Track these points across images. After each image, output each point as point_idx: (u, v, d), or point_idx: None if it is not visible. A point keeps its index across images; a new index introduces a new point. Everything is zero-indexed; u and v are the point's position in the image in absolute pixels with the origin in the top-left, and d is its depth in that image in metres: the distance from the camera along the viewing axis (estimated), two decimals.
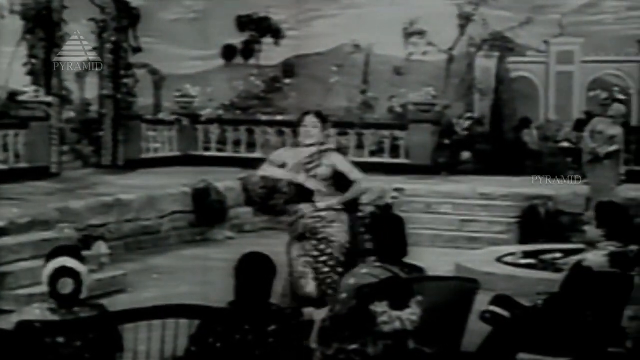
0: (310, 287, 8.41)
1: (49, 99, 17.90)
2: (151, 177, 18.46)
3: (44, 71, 18.31)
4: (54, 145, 17.83)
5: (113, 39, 20.12)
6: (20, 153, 17.38)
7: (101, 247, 13.32)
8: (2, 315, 10.17)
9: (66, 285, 6.18)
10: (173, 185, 17.02)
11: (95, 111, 20.89)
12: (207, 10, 30.25)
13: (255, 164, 18.64)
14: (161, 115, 22.95)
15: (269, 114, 24.33)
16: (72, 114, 20.41)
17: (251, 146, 21.94)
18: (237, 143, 22.10)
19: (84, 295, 6.28)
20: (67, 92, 19.99)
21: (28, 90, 17.73)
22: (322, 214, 8.56)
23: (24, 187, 15.61)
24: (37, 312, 6.17)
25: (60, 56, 18.44)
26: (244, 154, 21.59)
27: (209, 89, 24.14)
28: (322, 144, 8.71)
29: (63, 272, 6.20)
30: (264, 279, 6.03)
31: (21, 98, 17.70)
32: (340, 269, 8.24)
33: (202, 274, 12.23)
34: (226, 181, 17.52)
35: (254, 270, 6.02)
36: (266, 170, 8.84)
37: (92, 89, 21.67)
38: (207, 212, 16.73)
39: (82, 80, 22.30)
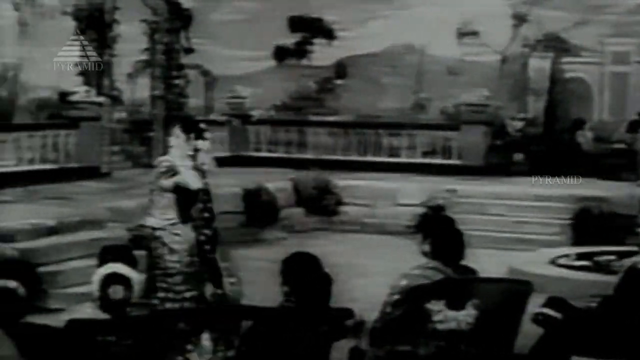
0: None
1: (100, 99, 18.03)
2: None
3: (96, 72, 18.46)
4: (104, 145, 17.96)
5: (165, 40, 20.16)
6: (71, 153, 17.51)
7: None
8: (53, 314, 10.15)
9: (117, 292, 6.24)
10: (223, 186, 16.95)
11: (146, 112, 20.99)
12: (258, 11, 30.27)
13: (306, 164, 19.04)
14: (212, 116, 22.93)
15: (320, 114, 24.23)
16: (123, 114, 20.49)
17: (302, 147, 21.87)
18: (288, 144, 22.03)
19: (134, 298, 6.36)
20: (118, 92, 20.09)
21: (79, 91, 17.82)
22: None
23: (74, 187, 15.66)
24: (89, 311, 6.26)
25: (111, 57, 18.51)
26: (295, 154, 21.50)
27: (260, 89, 24.09)
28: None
29: (114, 278, 6.25)
30: (309, 279, 5.97)
31: (72, 98, 17.80)
32: None
33: (253, 274, 12.24)
34: (277, 182, 17.49)
35: (299, 270, 5.99)
36: None
37: (143, 89, 21.72)
38: (258, 213, 16.67)
39: (134, 80, 22.33)
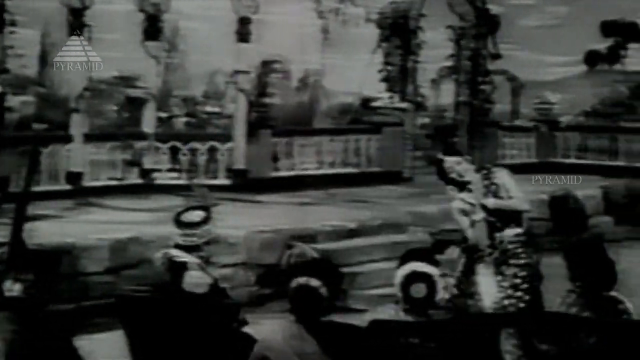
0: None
1: (404, 105, 18.34)
2: None
3: (399, 78, 18.70)
4: (407, 150, 18.20)
5: (471, 45, 20.24)
6: (372, 157, 17.87)
7: (454, 252, 13.28)
8: (354, 314, 10.26)
9: (420, 291, 6.27)
10: (529, 192, 16.70)
11: (450, 117, 21.09)
12: (569, 16, 29.70)
13: (617, 172, 18.37)
14: (518, 122, 22.67)
15: (633, 120, 23.35)
16: (426, 120, 20.72)
17: (614, 154, 21.18)
18: (598, 150, 21.40)
19: (439, 298, 6.39)
20: (423, 98, 20.26)
21: (382, 97, 18.15)
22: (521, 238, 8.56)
23: (375, 191, 15.92)
24: (392, 312, 6.34)
25: (416, 63, 18.65)
26: (605, 161, 20.90)
27: (569, 95, 23.56)
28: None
29: (415, 277, 6.30)
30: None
31: (375, 104, 18.26)
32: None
33: (558, 282, 11.94)
34: (586, 189, 17.23)
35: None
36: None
37: (447, 95, 21.79)
38: (565, 220, 16.26)
39: (438, 86, 22.46)
